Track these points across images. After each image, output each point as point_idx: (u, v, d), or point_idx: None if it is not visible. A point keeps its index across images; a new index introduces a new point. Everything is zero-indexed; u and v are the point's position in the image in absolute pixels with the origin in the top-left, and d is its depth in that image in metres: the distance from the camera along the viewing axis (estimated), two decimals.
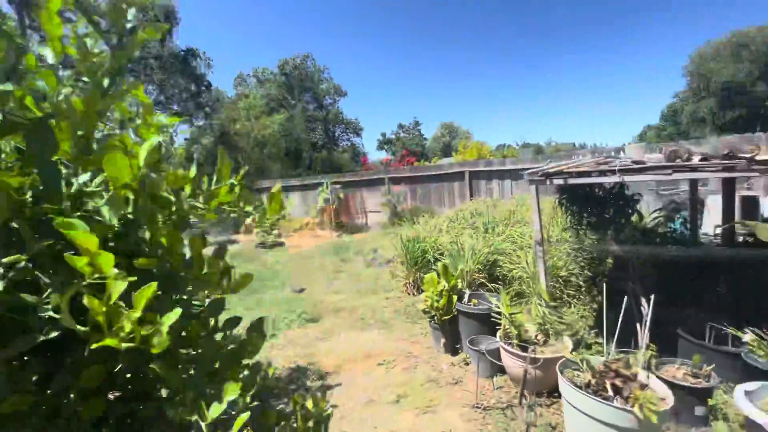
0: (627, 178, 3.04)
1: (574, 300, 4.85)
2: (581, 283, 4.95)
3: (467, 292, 4.03)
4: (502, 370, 3.42)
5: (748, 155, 2.63)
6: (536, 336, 3.47)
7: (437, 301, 3.87)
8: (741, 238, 5.40)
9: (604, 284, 3.22)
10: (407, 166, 14.32)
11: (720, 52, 28.78)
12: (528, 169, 3.42)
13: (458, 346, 3.90)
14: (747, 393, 2.14)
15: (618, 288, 4.21)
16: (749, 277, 3.31)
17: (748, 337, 2.49)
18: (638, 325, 3.61)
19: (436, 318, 3.94)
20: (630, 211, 3.71)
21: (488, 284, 5.27)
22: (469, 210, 9.25)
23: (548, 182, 3.38)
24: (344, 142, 37.26)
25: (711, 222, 7.19)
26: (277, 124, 24.33)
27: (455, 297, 3.89)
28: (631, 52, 69.87)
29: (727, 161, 2.69)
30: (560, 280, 4.84)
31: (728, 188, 4.53)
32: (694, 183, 6.27)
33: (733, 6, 50.26)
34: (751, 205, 8.01)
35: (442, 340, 3.95)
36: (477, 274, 5.31)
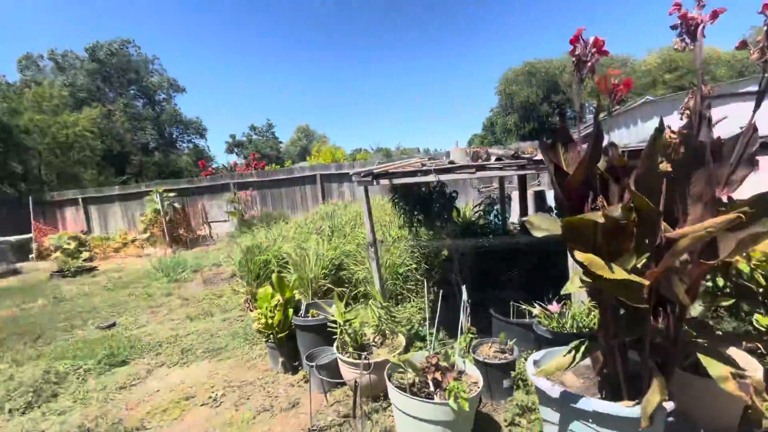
0: (442, 177, 3.24)
1: (413, 294, 5.11)
2: (419, 276, 5.27)
3: (304, 303, 3.75)
4: (344, 383, 3.25)
5: (528, 155, 3.07)
6: (373, 338, 3.43)
7: (271, 318, 3.48)
8: None
9: (425, 282, 3.35)
10: (256, 170, 13.35)
11: (518, 77, 36.06)
12: (358, 171, 3.35)
13: (297, 363, 3.59)
14: (535, 362, 2.44)
15: (449, 278, 4.59)
16: (540, 258, 3.95)
17: (536, 310, 2.91)
18: (462, 313, 3.96)
19: (272, 336, 3.54)
20: (450, 207, 4.03)
21: (335, 289, 5.13)
22: (320, 214, 9.10)
23: (374, 182, 3.37)
24: (184, 144, 32.90)
25: (516, 213, 8.71)
26: (88, 121, 19.70)
27: (291, 310, 3.57)
28: (467, 70, 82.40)
29: (515, 161, 3.09)
30: (400, 277, 5.03)
31: (522, 185, 5.45)
32: (501, 180, 7.42)
33: (527, 40, 64.52)
34: (541, 198, 10.02)
35: (281, 360, 3.58)
36: (323, 281, 5.12)
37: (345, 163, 13.04)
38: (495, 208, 8.06)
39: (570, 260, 3.13)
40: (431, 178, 3.23)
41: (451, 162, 3.33)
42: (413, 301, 4.94)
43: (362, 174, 3.20)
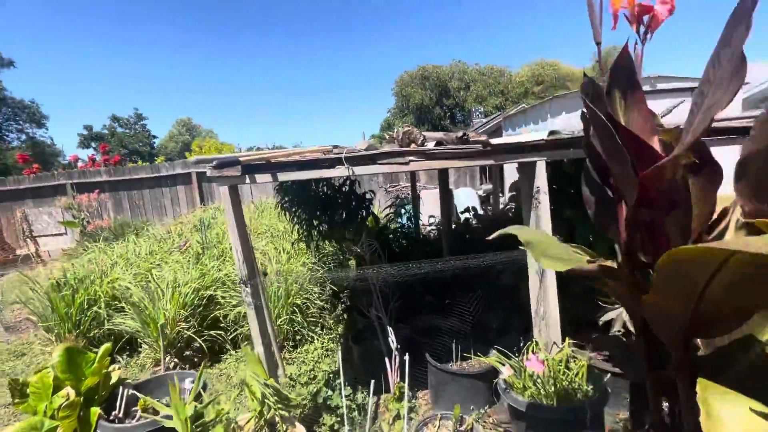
0: (357, 170, 2.06)
1: (317, 329, 3.85)
2: (323, 304, 4.02)
3: (124, 390, 2.18)
4: None
5: (481, 139, 2.09)
6: None
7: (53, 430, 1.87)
8: (453, 226, 5.93)
9: (332, 312, 2.15)
10: (107, 166, 10.40)
11: (413, 80, 37.05)
12: (212, 159, 1.95)
13: None
14: None
15: (362, 309, 3.40)
16: (484, 278, 3.04)
17: (505, 372, 1.94)
18: (387, 362, 2.86)
19: None
20: (364, 212, 2.88)
21: (202, 335, 3.57)
22: (193, 222, 7.16)
23: (247, 179, 2.03)
24: (12, 135, 25.66)
25: (426, 213, 8.04)
26: None
27: (95, 410, 1.99)
28: (365, 72, 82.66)
29: (466, 146, 2.08)
30: (297, 310, 3.72)
31: (444, 182, 4.61)
32: (413, 178, 6.56)
33: (422, 45, 67.80)
34: (450, 197, 9.57)
35: None
36: (182, 325, 3.51)
37: None
38: (407, 209, 7.21)
39: (538, 289, 2.25)
40: (341, 172, 2.03)
41: (372, 147, 2.18)
42: (317, 339, 3.68)
43: (220, 163, 1.84)
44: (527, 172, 2.21)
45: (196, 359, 3.60)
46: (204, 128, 51.84)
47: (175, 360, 3.47)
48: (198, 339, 3.50)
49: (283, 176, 2.05)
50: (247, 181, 2.03)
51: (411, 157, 2.07)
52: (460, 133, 2.16)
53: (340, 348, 2.54)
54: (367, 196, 2.92)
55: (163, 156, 24.74)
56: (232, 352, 3.77)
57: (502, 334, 2.87)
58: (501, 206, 7.12)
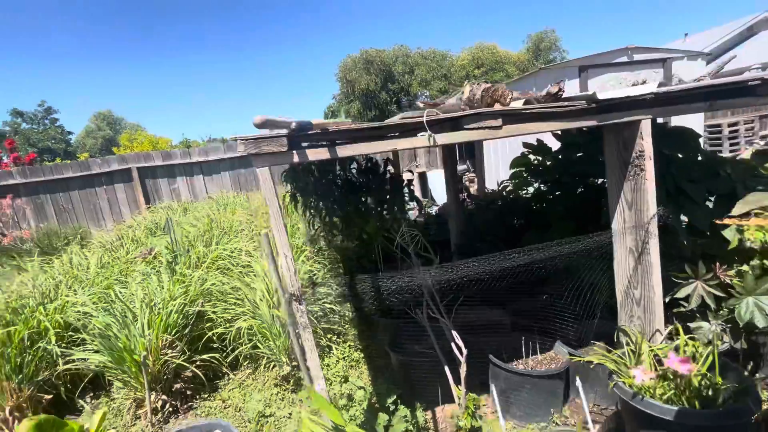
0: (440, 139, 1.57)
1: (333, 338, 3.32)
2: (336, 307, 3.49)
3: None
4: None
5: (586, 95, 1.70)
6: None
7: None
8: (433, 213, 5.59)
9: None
10: (18, 165, 8.69)
11: (357, 65, 36.10)
12: (294, 121, 1.34)
13: None
14: None
15: (412, 301, 2.91)
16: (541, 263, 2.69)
17: (641, 376, 1.60)
18: (447, 369, 2.44)
19: None
20: (400, 198, 2.39)
21: (193, 361, 2.89)
22: (145, 225, 6.12)
23: (295, 157, 1.45)
24: None
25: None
26: None
27: None
28: (305, 57, 79.09)
29: (567, 103, 1.67)
30: (312, 318, 3.16)
31: (452, 160, 4.22)
32: (396, 158, 6.14)
33: (364, 29, 66.42)
34: (425, 180, 9.27)
35: None
36: (169, 353, 2.80)
37: (176, 151, 9.65)
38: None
39: (632, 270, 1.94)
40: (421, 141, 1.54)
41: (448, 110, 1.69)
42: (335, 349, 3.15)
43: (301, 126, 1.25)
44: (622, 134, 1.86)
45: (189, 392, 2.92)
46: (129, 122, 46.93)
47: (163, 397, 2.76)
48: (190, 366, 2.82)
49: (345, 151, 1.50)
50: (295, 159, 1.45)
51: (501, 119, 1.63)
52: (554, 89, 1.74)
53: (362, 358, 2.05)
54: (407, 176, 2.42)
55: (86, 153, 21.69)
56: (232, 377, 3.14)
57: (563, 325, 2.57)
58: (491, 187, 6.91)
